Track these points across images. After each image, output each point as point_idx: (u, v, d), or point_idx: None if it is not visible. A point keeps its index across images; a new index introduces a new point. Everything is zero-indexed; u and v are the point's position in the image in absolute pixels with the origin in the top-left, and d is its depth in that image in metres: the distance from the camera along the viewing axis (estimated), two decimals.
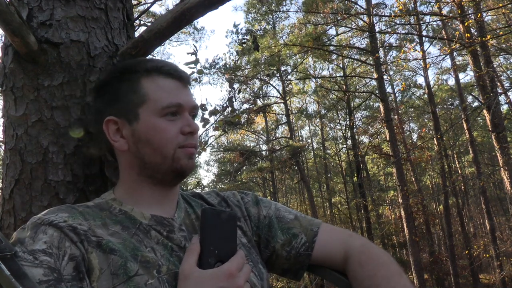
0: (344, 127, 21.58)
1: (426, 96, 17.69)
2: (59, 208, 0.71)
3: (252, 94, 17.22)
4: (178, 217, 0.80)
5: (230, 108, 3.08)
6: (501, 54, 12.75)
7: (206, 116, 2.70)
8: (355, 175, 18.22)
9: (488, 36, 7.96)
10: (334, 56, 16.72)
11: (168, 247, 0.72)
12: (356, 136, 19.50)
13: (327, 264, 0.86)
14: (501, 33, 8.66)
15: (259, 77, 16.26)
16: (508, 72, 17.57)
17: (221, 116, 3.02)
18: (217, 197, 0.92)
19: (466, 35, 8.51)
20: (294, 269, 0.87)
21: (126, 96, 0.78)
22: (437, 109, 16.86)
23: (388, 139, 12.72)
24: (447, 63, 20.38)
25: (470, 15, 8.81)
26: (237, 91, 3.65)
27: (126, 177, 0.81)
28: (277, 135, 21.29)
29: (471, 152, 15.00)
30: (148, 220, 0.75)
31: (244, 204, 0.91)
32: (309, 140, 25.42)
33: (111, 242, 0.67)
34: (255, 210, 0.90)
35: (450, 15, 11.46)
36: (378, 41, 13.77)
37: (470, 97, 17.37)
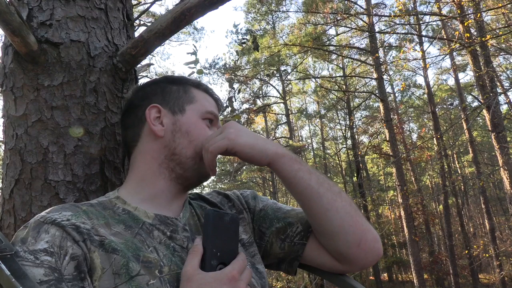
0: (344, 127, 21.60)
1: (425, 96, 17.71)
2: (63, 206, 0.71)
3: (252, 94, 17.24)
4: (183, 217, 0.80)
5: (230, 108, 3.07)
6: (501, 54, 12.74)
7: None
8: (355, 175, 18.23)
9: (488, 36, 7.94)
10: (334, 56, 16.73)
11: (171, 248, 0.73)
12: (356, 136, 19.52)
13: (321, 259, 0.86)
14: (500, 33, 8.64)
15: (259, 77, 16.29)
16: (508, 72, 17.57)
17: (221, 116, 3.01)
18: (218, 195, 0.94)
19: (465, 35, 8.51)
20: (289, 259, 0.88)
21: (176, 93, 0.87)
22: (436, 109, 16.87)
23: (388, 139, 12.73)
24: (447, 63, 20.45)
25: (469, 15, 8.80)
26: (237, 91, 3.65)
27: (143, 168, 0.82)
28: (277, 135, 21.30)
29: (470, 152, 15.01)
30: (152, 220, 0.75)
31: (243, 197, 0.95)
32: (309, 140, 25.44)
33: (113, 242, 0.67)
34: (253, 203, 0.94)
35: (450, 15, 11.46)
36: (377, 41, 13.77)
37: (470, 97, 17.39)
